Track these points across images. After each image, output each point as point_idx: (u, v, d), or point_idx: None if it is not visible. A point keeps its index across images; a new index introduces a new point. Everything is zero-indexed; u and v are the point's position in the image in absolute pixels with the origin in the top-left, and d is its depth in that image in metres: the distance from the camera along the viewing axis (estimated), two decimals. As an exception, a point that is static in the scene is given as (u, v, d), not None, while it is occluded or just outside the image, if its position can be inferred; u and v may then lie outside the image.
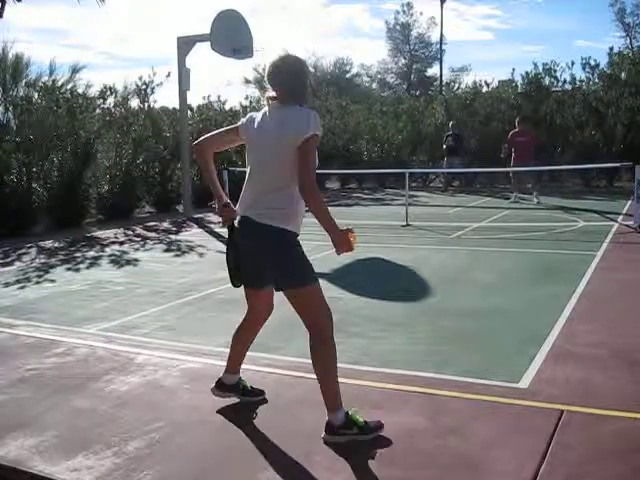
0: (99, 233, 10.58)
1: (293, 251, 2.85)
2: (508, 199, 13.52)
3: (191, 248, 8.73)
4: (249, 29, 12.64)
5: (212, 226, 11.10)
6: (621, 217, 10.33)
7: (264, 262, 2.89)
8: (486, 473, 2.56)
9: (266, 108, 2.96)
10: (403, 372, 3.68)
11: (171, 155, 13.77)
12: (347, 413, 2.85)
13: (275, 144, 2.83)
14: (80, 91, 12.51)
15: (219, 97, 16.38)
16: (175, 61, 12.28)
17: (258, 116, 2.98)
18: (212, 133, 3.17)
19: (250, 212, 2.88)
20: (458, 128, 16.84)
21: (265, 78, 2.95)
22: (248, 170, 2.99)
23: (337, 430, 2.82)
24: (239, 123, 3.06)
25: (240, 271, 3.04)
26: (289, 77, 2.88)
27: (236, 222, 3.00)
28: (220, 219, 3.07)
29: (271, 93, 2.92)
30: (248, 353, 4.15)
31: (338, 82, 37.16)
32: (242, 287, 3.11)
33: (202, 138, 3.16)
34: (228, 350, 3.35)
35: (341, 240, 2.78)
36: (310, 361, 3.95)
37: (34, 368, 3.98)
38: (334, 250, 2.84)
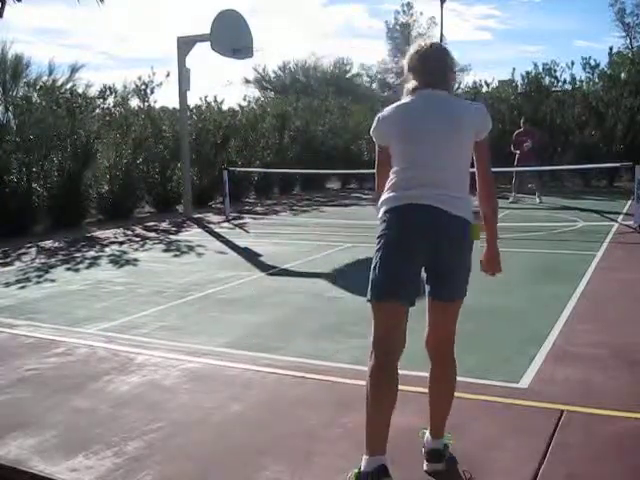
0: (99, 233, 10.58)
1: None
2: (508, 199, 13.53)
3: (191, 248, 8.73)
4: (249, 29, 12.65)
5: (212, 226, 11.10)
6: (621, 217, 10.32)
7: None
8: (486, 473, 2.57)
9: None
10: (403, 372, 3.64)
11: (171, 155, 13.77)
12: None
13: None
14: (80, 91, 12.53)
15: (215, 97, 16.38)
16: (175, 61, 12.28)
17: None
18: (378, 174, 2.65)
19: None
20: None
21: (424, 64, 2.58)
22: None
23: (443, 455, 2.62)
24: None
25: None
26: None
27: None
28: None
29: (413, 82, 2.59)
30: (248, 353, 4.17)
31: (338, 82, 37.11)
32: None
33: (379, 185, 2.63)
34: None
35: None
36: (310, 361, 3.96)
37: (34, 368, 3.98)
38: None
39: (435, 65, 2.57)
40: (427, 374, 2.70)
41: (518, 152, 13.06)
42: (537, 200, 12.96)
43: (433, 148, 2.45)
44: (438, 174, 2.44)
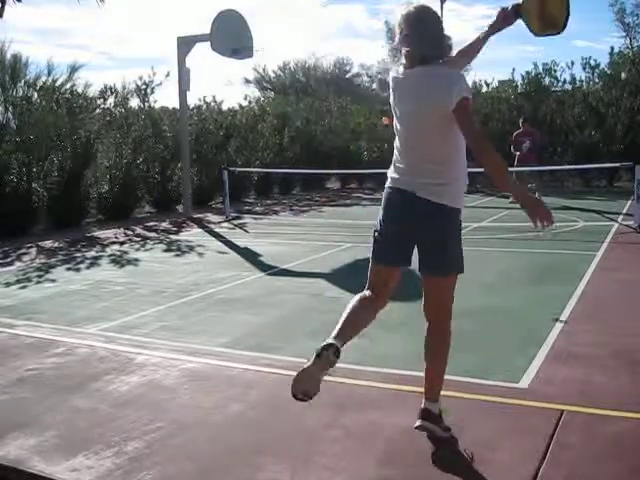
0: (99, 233, 10.58)
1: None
2: (508, 199, 13.52)
3: (191, 248, 8.73)
4: (249, 29, 12.64)
5: (212, 226, 11.10)
6: (621, 217, 10.32)
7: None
8: (486, 473, 2.56)
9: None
10: (403, 372, 3.68)
11: (171, 155, 13.78)
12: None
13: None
14: (79, 91, 12.52)
15: (214, 97, 16.36)
16: (175, 61, 12.28)
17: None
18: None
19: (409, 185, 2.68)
20: None
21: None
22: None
23: (435, 419, 2.78)
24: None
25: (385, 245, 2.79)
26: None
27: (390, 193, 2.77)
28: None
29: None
30: (248, 353, 4.17)
31: (338, 82, 37.12)
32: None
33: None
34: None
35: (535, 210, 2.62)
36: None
37: (34, 368, 3.98)
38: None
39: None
40: (423, 374, 2.74)
41: (517, 153, 13.04)
42: (537, 200, 12.95)
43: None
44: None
